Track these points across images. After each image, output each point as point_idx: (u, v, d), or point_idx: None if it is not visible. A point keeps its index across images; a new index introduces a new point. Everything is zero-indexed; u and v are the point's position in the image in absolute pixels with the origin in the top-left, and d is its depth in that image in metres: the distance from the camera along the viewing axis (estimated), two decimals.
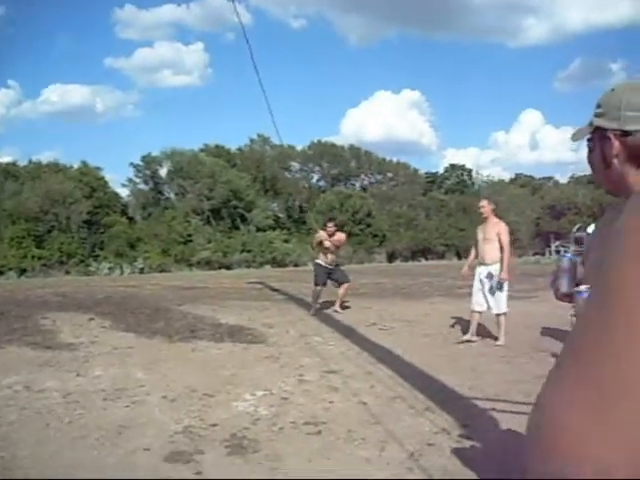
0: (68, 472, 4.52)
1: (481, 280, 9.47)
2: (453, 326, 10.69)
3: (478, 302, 9.51)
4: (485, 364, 7.98)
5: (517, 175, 73.82)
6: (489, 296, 9.38)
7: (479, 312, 9.51)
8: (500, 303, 9.35)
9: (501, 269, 9.22)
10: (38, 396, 6.62)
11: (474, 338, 9.46)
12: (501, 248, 9.26)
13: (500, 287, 9.30)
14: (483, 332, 9.73)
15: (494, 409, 5.85)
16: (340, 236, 13.17)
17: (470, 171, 70.04)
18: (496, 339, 9.41)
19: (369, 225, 54.57)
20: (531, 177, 73.27)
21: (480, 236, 9.53)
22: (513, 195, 60.50)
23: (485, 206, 9.54)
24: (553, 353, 8.10)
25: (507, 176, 74.84)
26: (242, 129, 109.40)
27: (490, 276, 9.32)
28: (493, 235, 9.33)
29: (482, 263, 9.48)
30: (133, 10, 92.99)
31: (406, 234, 56.26)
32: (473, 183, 68.84)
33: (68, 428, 5.58)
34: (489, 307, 9.45)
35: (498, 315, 9.43)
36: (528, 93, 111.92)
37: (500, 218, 9.81)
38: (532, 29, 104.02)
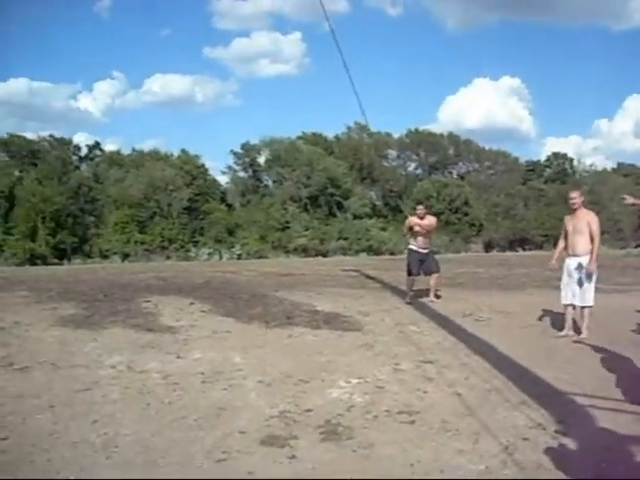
0: (167, 452, 4.67)
1: (570, 272, 9.25)
2: (550, 318, 10.45)
3: (567, 295, 9.30)
4: (583, 359, 7.80)
5: (620, 164, 71.31)
6: (577, 288, 9.13)
7: (571, 305, 9.29)
8: (586, 296, 9.09)
9: (590, 260, 8.99)
10: (140, 376, 6.84)
11: (570, 332, 9.25)
12: (591, 239, 9.02)
13: (589, 279, 9.06)
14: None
15: (592, 406, 5.71)
16: (431, 219, 12.98)
17: (572, 160, 68.13)
18: (580, 333, 9.17)
19: (466, 214, 53.95)
20: (633, 166, 70.67)
21: (570, 227, 9.30)
22: (616, 185, 58.64)
23: (576, 197, 9.31)
24: None
25: (610, 165, 72.42)
26: (339, 117, 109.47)
27: (580, 267, 9.07)
28: (584, 226, 9.08)
29: (573, 254, 9.23)
30: (230, 0, 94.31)
31: (503, 223, 55.37)
32: (574, 172, 66.97)
33: (168, 408, 5.76)
34: (574, 299, 9.21)
35: (583, 308, 9.20)
36: (633, 78, 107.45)
37: (590, 209, 9.56)
38: (638, 11, 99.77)
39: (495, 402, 5.93)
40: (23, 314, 10.55)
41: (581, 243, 9.09)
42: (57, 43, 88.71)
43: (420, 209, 12.93)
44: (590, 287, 9.08)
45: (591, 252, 9.00)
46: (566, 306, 9.33)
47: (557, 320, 9.80)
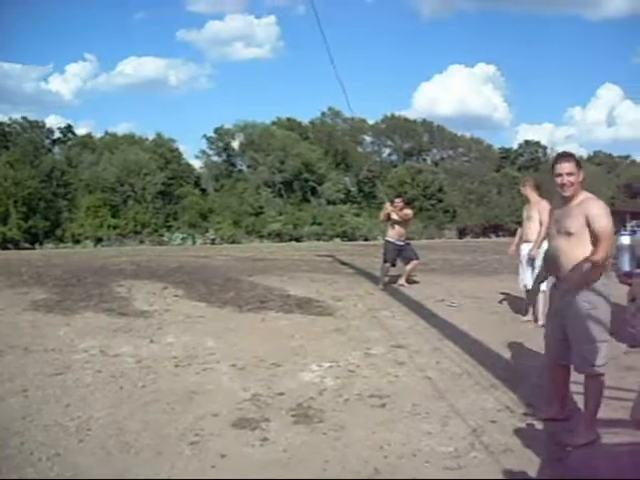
0: (140, 435, 4.70)
1: (523, 258, 9.35)
2: (519, 304, 10.56)
3: (525, 280, 9.33)
4: None
5: (595, 153, 71.96)
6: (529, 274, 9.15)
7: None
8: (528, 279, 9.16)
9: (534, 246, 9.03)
10: (113, 360, 6.85)
11: (531, 317, 9.32)
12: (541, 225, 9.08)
13: (531, 263, 9.08)
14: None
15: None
16: (407, 211, 13.12)
17: (545, 148, 68.62)
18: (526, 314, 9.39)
19: (440, 200, 54.24)
20: (609, 155, 71.37)
21: (524, 215, 9.46)
22: (589, 173, 59.06)
23: (522, 189, 9.56)
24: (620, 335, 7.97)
25: (583, 153, 72.97)
26: (314, 102, 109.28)
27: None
28: (534, 213, 9.16)
29: (526, 241, 9.34)
30: None
31: (477, 210, 55.70)
32: (547, 160, 67.45)
33: (141, 392, 5.78)
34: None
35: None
36: (606, 67, 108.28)
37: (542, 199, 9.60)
38: (612, 0, 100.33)
39: (465, 386, 6.01)
40: None
41: (532, 230, 9.15)
42: (27, 24, 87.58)
43: (398, 201, 12.96)
44: (531, 271, 9.04)
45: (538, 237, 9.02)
46: (526, 292, 9.39)
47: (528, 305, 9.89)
